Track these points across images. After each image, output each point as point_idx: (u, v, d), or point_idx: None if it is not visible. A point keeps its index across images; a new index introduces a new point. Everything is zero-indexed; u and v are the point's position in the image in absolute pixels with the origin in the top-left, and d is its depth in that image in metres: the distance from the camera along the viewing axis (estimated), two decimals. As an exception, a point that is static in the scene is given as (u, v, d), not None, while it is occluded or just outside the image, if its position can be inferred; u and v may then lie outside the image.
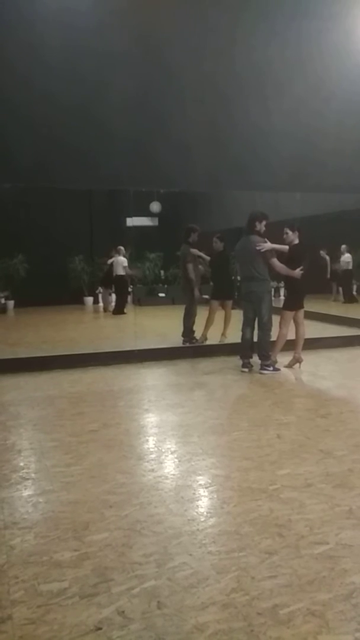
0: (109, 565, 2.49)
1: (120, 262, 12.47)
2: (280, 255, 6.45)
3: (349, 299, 13.05)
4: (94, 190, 13.56)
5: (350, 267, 13.00)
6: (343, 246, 13.02)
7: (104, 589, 2.32)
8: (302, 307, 6.67)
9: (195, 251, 7.91)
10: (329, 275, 13.44)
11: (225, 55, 7.14)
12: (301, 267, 6.41)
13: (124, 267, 12.44)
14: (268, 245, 6.37)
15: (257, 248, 6.31)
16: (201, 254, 7.98)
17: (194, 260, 7.92)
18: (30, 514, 3.00)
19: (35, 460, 3.84)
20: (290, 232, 6.48)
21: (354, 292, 13.62)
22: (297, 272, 6.39)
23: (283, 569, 2.44)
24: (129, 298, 14.31)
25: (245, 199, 9.33)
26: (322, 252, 13.24)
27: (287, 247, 6.44)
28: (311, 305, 7.87)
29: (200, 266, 8.07)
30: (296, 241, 6.48)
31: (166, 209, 14.37)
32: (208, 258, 8.02)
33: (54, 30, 6.37)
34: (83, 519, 2.93)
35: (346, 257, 12.95)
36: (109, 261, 12.95)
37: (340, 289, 13.48)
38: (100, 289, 13.87)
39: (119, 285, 12.70)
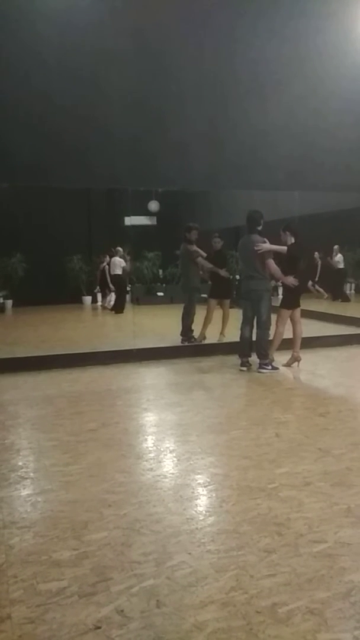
0: (108, 564, 2.49)
1: (118, 263, 12.52)
2: (278, 254, 6.47)
3: (343, 297, 13.11)
4: (92, 189, 13.57)
5: (342, 266, 13.11)
6: (335, 246, 13.07)
7: (103, 588, 2.32)
8: (299, 306, 6.68)
9: (194, 247, 7.90)
10: (316, 278, 13.43)
11: (224, 54, 7.14)
12: (295, 276, 6.45)
13: (122, 267, 12.49)
14: (266, 246, 6.39)
15: (255, 249, 6.33)
16: (200, 251, 7.98)
17: (199, 254, 7.91)
18: (29, 513, 3.00)
19: (34, 460, 3.84)
20: (282, 233, 6.53)
21: (352, 291, 13.65)
22: (291, 279, 6.42)
23: (282, 568, 2.44)
24: (128, 297, 14.37)
25: (243, 198, 9.33)
26: (316, 254, 13.21)
27: (285, 247, 6.47)
28: (305, 305, 7.87)
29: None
30: (291, 240, 6.50)
31: (164, 208, 14.37)
32: (205, 255, 8.00)
33: (53, 28, 6.36)
34: (82, 518, 2.93)
35: (339, 257, 13.05)
36: (102, 266, 13.07)
37: (318, 286, 13.53)
38: (100, 289, 13.94)
39: (118, 284, 12.74)
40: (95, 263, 14.14)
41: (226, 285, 8.30)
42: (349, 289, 14.10)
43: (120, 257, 12.65)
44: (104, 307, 13.72)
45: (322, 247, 13.19)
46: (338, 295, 13.14)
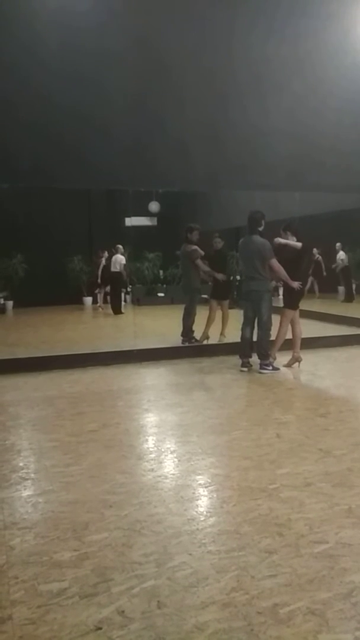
0: (109, 565, 2.49)
1: (119, 260, 12.52)
2: (280, 254, 6.45)
3: (348, 297, 13.02)
4: (93, 190, 13.57)
5: (347, 263, 13.00)
6: (338, 244, 13.01)
7: (103, 588, 2.32)
8: (299, 306, 6.69)
9: (193, 247, 7.88)
10: (324, 273, 13.37)
11: (223, 55, 7.14)
12: (300, 283, 6.49)
13: (122, 265, 12.49)
14: (283, 240, 6.42)
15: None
16: (199, 249, 7.96)
17: (198, 253, 7.91)
18: (30, 514, 3.00)
19: (34, 461, 3.84)
20: (282, 233, 6.55)
21: (353, 292, 13.57)
22: (296, 284, 6.42)
23: (283, 568, 2.44)
24: (128, 298, 14.36)
25: (243, 199, 9.33)
26: (315, 250, 13.06)
27: (300, 244, 6.46)
28: (307, 305, 7.88)
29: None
30: (293, 240, 6.51)
31: (165, 209, 14.37)
32: (202, 253, 7.98)
33: (53, 30, 6.36)
34: (83, 519, 2.93)
35: (341, 255, 12.97)
36: (101, 260, 13.09)
37: (317, 285, 13.44)
38: (99, 289, 13.93)
39: (115, 282, 12.75)
40: (96, 264, 14.15)
41: (225, 286, 8.32)
42: (352, 289, 14.00)
43: (122, 254, 12.65)
44: (102, 307, 13.70)
45: (322, 248, 13.15)
46: (349, 294, 13.01)
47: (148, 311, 13.27)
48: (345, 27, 7.68)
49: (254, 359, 6.62)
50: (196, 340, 7.99)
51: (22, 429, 4.59)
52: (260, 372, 6.43)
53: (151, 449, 4.04)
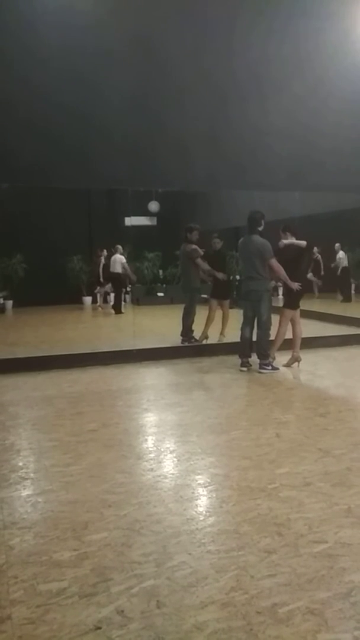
0: (108, 564, 2.49)
1: (118, 260, 12.52)
2: (280, 255, 6.45)
3: (346, 297, 13.01)
4: (93, 190, 13.57)
5: (346, 264, 12.98)
6: (337, 244, 12.99)
7: (103, 588, 2.32)
8: (299, 306, 6.69)
9: (193, 247, 7.88)
10: (322, 272, 13.36)
11: (224, 55, 7.14)
12: (300, 284, 6.50)
13: (122, 265, 12.50)
14: (287, 240, 6.43)
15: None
16: (198, 249, 7.96)
17: (198, 253, 7.90)
18: (29, 514, 3.00)
19: (34, 460, 3.84)
20: (282, 234, 6.55)
21: (353, 291, 13.57)
22: (296, 285, 6.43)
23: (282, 568, 2.44)
24: (128, 297, 14.37)
25: (243, 199, 9.33)
26: (315, 249, 13.01)
27: (304, 242, 6.47)
28: (308, 305, 7.88)
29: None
30: (292, 239, 6.52)
31: (165, 209, 14.37)
32: (201, 253, 7.98)
33: (52, 29, 6.36)
34: (82, 518, 2.93)
35: (340, 255, 12.95)
36: (100, 259, 13.10)
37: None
38: (99, 289, 13.94)
39: (115, 282, 12.76)
40: (96, 263, 14.16)
41: (225, 286, 8.32)
42: (351, 289, 14.00)
43: (121, 254, 12.66)
44: (102, 306, 13.71)
45: (321, 248, 13.13)
46: (346, 294, 13.02)
47: (148, 311, 13.27)
48: (345, 28, 7.69)
49: (254, 359, 6.63)
50: (196, 340, 7.99)
51: (22, 428, 4.59)
52: (259, 372, 6.43)
53: (150, 449, 4.04)
